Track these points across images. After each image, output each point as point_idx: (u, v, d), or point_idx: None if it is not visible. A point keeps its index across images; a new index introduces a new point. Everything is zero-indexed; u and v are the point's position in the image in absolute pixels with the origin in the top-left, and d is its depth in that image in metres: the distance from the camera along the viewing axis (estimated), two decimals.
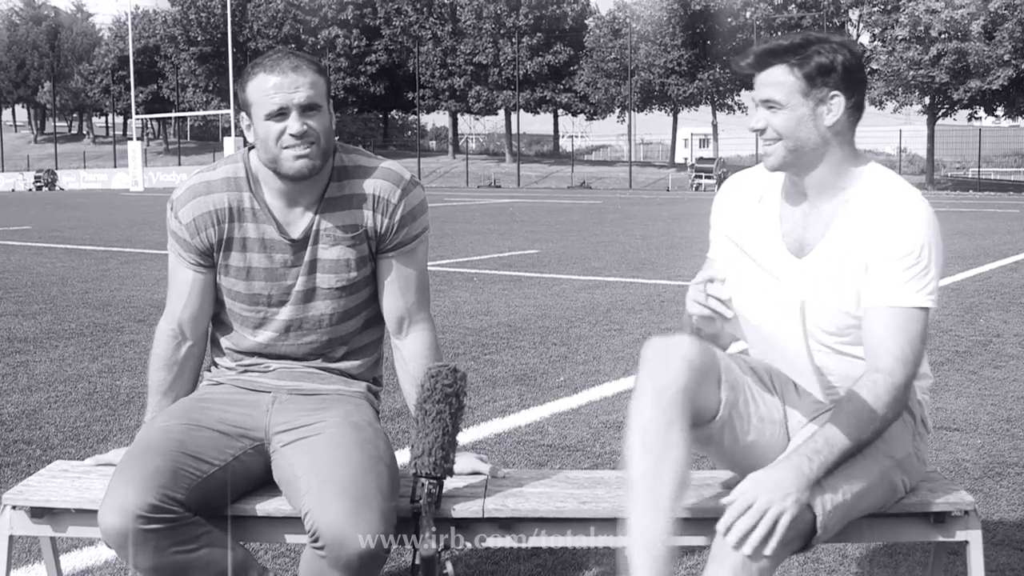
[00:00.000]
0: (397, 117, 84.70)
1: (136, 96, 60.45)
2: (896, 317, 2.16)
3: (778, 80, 2.20)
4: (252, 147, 2.47)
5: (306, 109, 2.34)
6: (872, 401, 2.12)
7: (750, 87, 2.32)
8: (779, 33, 54.85)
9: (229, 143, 46.69)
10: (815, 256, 2.28)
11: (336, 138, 2.48)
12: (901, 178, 2.31)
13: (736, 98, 60.97)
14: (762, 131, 2.24)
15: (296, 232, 2.46)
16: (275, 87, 2.32)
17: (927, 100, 48.89)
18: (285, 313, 2.50)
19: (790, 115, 2.20)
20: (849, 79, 2.21)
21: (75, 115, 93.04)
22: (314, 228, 2.46)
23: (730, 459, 2.34)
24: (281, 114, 2.33)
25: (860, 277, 2.22)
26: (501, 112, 69.60)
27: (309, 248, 2.47)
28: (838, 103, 2.21)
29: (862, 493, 2.15)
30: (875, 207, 2.23)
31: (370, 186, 2.46)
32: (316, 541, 2.14)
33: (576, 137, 77.69)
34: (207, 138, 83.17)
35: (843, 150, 2.26)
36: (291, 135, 2.33)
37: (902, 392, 2.15)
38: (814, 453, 2.08)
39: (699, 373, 2.14)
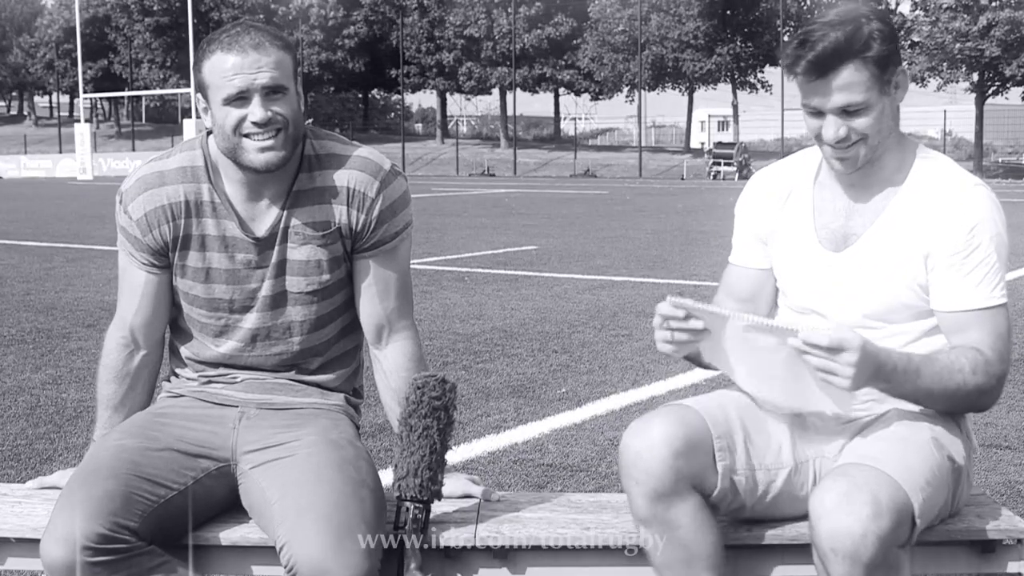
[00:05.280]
0: (379, 97, 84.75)
1: (84, 73, 60.35)
2: (983, 319, 2.28)
3: (852, 81, 2.20)
4: (211, 132, 2.45)
5: (270, 92, 2.32)
6: (970, 366, 2.22)
7: (774, 62, 2.33)
8: (806, 3, 54.84)
9: (189, 126, 46.61)
10: (861, 246, 2.35)
11: (309, 121, 2.48)
12: (953, 162, 2.38)
13: (759, 75, 60.98)
14: (843, 139, 2.25)
15: (261, 229, 2.45)
16: (234, 68, 2.30)
17: (975, 77, 48.89)
18: (250, 321, 2.50)
19: (875, 113, 2.24)
20: (898, 43, 2.26)
21: (14, 94, 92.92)
22: (281, 225, 2.45)
23: (752, 514, 2.35)
24: (242, 98, 2.31)
25: (918, 267, 2.30)
26: (495, 91, 69.65)
27: (276, 248, 2.46)
28: (903, 76, 2.28)
29: (934, 495, 2.17)
30: (932, 197, 2.30)
31: (344, 178, 2.45)
32: None
33: (579, 119, 77.83)
34: (164, 120, 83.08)
35: (897, 130, 2.33)
36: (253, 123, 2.31)
37: (995, 382, 2.26)
38: (901, 369, 2.17)
39: (689, 454, 2.20)
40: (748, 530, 2.32)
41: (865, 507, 2.00)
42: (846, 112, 2.23)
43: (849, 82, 2.20)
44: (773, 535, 2.31)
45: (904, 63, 2.28)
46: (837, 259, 2.38)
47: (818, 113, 2.26)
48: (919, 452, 2.18)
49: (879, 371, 2.14)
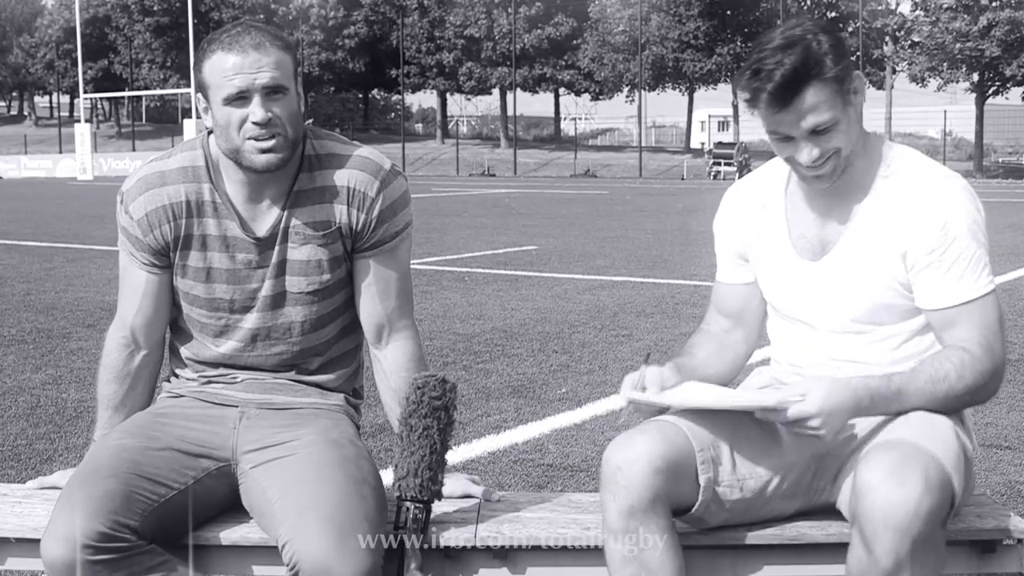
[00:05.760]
0: (379, 97, 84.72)
1: (84, 73, 60.31)
2: (970, 312, 2.27)
3: (816, 102, 2.18)
4: (212, 131, 2.46)
5: (271, 92, 2.32)
6: (956, 371, 2.22)
7: None
8: (806, 3, 54.78)
9: (189, 126, 46.60)
10: (838, 252, 2.34)
11: (310, 121, 2.48)
12: (921, 154, 2.37)
13: None
14: (817, 158, 2.24)
15: (262, 229, 2.46)
16: (234, 68, 2.30)
17: (975, 77, 48.87)
18: (251, 321, 2.50)
19: (844, 127, 2.22)
20: (848, 53, 2.25)
21: (15, 94, 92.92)
22: (282, 225, 2.45)
23: (747, 519, 2.35)
24: (242, 98, 2.31)
25: (897, 266, 2.29)
26: (495, 92, 69.63)
27: (277, 247, 2.46)
28: (860, 80, 2.27)
29: (962, 478, 2.17)
30: (903, 194, 2.29)
31: (344, 177, 2.45)
32: (296, 575, 2.14)
33: (580, 120, 77.81)
34: (165, 120, 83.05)
35: (863, 132, 2.32)
36: (254, 123, 2.31)
37: (987, 378, 2.25)
38: (880, 397, 2.20)
39: (669, 472, 2.19)
40: (748, 530, 2.32)
41: (919, 481, 2.00)
42: (815, 133, 2.21)
43: (814, 104, 2.18)
44: (773, 535, 2.31)
45: (857, 68, 2.26)
46: (816, 268, 2.37)
47: (787, 138, 2.24)
48: (947, 436, 2.18)
49: (856, 410, 2.18)
